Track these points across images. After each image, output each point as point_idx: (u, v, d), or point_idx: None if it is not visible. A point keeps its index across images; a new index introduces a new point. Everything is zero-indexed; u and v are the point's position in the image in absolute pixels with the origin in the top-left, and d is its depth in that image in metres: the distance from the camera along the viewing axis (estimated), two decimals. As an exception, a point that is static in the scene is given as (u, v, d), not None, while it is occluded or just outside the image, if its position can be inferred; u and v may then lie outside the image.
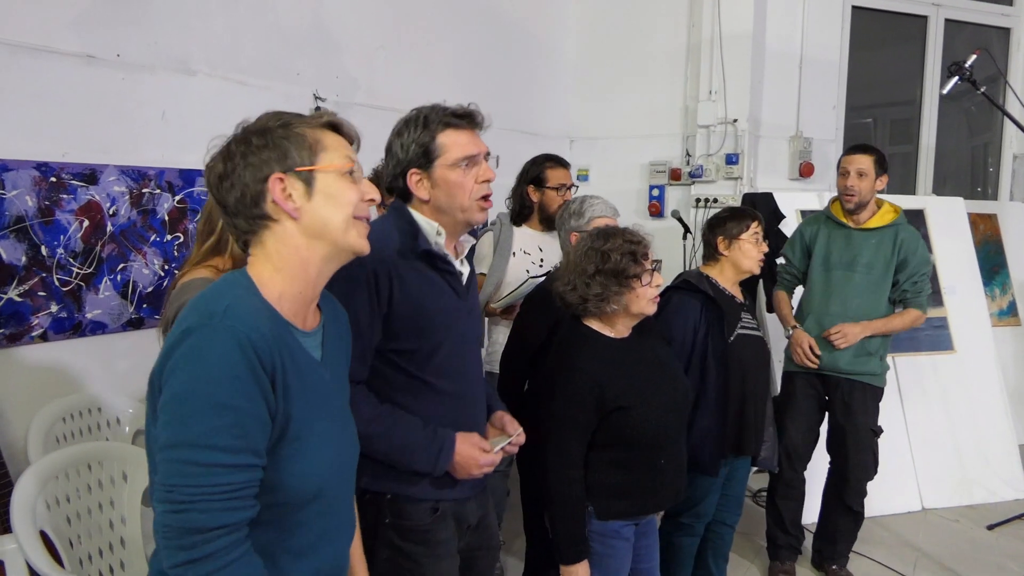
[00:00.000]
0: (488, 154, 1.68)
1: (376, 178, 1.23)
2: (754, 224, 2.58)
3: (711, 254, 2.64)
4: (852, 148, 3.11)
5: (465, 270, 1.75)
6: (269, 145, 1.15)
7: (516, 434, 1.75)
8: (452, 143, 1.62)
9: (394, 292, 1.57)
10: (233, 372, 1.04)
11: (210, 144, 1.21)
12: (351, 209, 1.18)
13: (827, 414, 3.15)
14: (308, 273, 1.18)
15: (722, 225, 2.59)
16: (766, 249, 2.61)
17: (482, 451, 1.66)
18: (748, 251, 2.56)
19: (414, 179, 1.63)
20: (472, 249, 1.79)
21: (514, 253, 3.00)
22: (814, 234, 3.17)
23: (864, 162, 3.01)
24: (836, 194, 3.18)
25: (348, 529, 1.32)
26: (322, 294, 1.28)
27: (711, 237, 2.62)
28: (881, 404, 3.11)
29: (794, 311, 3.24)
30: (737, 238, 2.56)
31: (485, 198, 1.67)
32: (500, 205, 3.28)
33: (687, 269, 2.67)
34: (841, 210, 3.13)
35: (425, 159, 1.61)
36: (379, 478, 1.61)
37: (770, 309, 3.80)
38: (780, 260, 3.34)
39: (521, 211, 3.08)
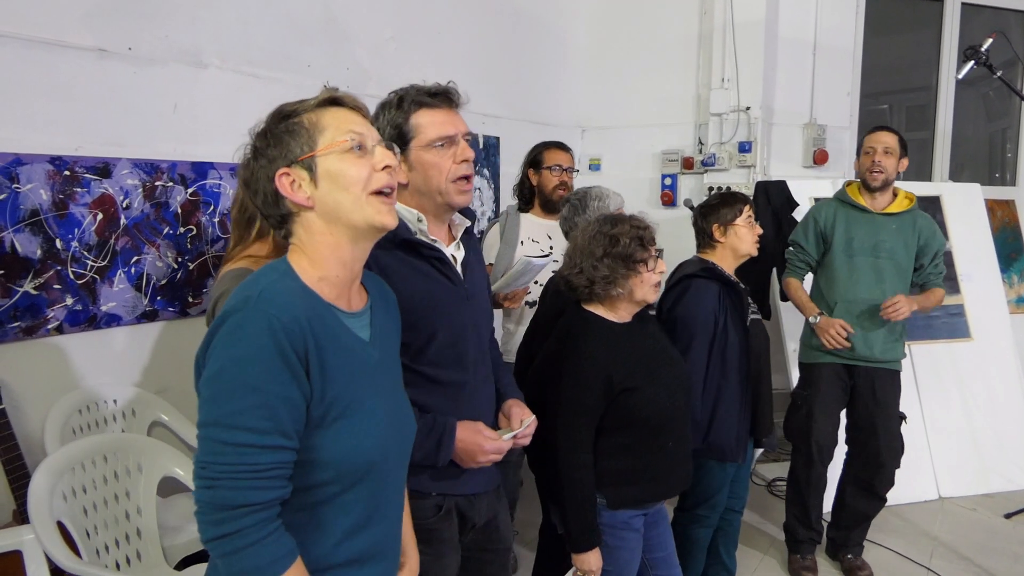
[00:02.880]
0: (468, 134, 1.62)
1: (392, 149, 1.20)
2: (746, 208, 2.55)
3: (706, 242, 2.60)
4: (875, 128, 3.07)
5: (460, 254, 1.68)
6: (271, 143, 1.17)
7: (527, 423, 1.69)
8: (427, 123, 1.57)
9: None
10: (262, 354, 1.06)
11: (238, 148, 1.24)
12: (359, 187, 1.16)
13: (851, 404, 3.11)
14: (341, 256, 1.19)
15: (715, 212, 2.56)
16: (760, 231, 2.59)
17: (487, 438, 1.59)
18: (744, 235, 2.53)
19: None
20: (468, 231, 1.73)
21: (521, 242, 3.01)
22: (831, 219, 3.10)
23: (890, 140, 2.99)
24: (849, 179, 3.15)
25: (399, 507, 1.33)
26: (366, 274, 1.31)
27: (705, 225, 2.58)
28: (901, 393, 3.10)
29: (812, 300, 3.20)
30: (732, 223, 2.53)
31: (466, 179, 1.60)
32: (509, 198, 3.29)
33: (685, 260, 2.63)
34: (859, 193, 3.08)
35: (400, 141, 1.55)
36: None
37: (783, 297, 3.77)
38: (789, 247, 3.28)
39: (523, 195, 3.12)
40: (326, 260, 1.19)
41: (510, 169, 3.99)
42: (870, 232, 3.02)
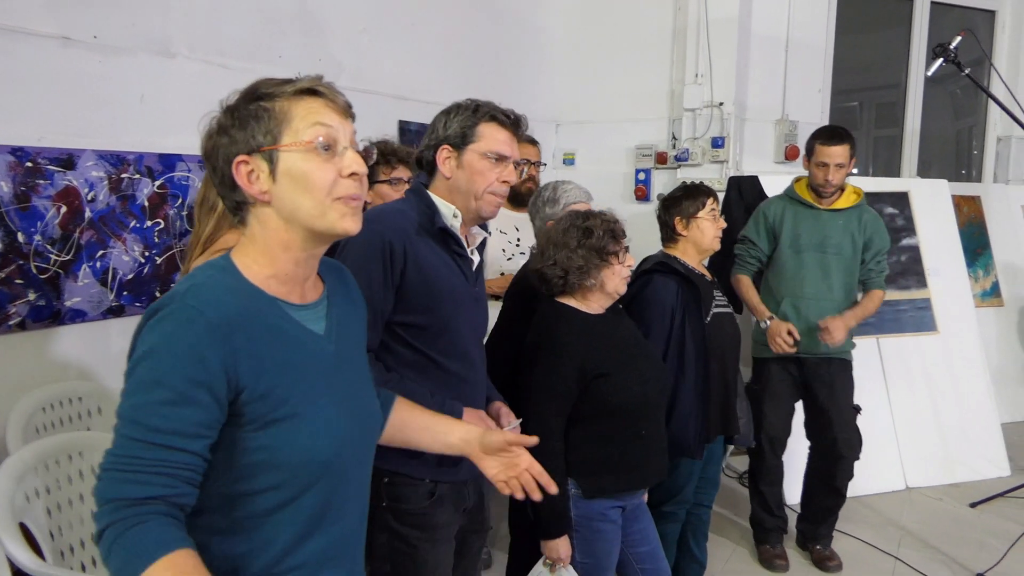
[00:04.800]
0: (519, 163, 1.74)
1: (366, 154, 1.13)
2: (709, 201, 2.53)
3: (670, 235, 2.59)
4: (829, 138, 2.99)
5: (475, 259, 1.79)
6: (235, 124, 1.08)
7: (514, 426, 1.77)
8: (491, 136, 1.68)
9: (408, 264, 1.60)
10: (173, 350, 1.00)
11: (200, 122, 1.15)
12: (323, 193, 1.08)
13: (806, 398, 3.17)
14: (295, 255, 1.12)
15: (678, 205, 2.55)
16: (724, 225, 2.58)
17: (489, 429, 1.67)
18: (707, 228, 2.52)
19: (443, 154, 1.68)
20: (484, 243, 1.83)
21: (489, 233, 3.02)
22: (779, 215, 3.11)
23: (843, 154, 2.97)
24: (797, 176, 3.17)
25: (359, 507, 1.27)
26: (324, 262, 1.23)
27: (668, 218, 2.57)
28: (865, 385, 3.15)
29: (760, 294, 3.19)
30: (695, 216, 2.52)
31: (500, 195, 1.71)
32: None
33: (650, 254, 2.62)
34: (807, 190, 3.10)
35: (461, 140, 1.67)
36: (377, 456, 1.60)
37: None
38: (739, 243, 3.26)
39: None
40: (277, 257, 1.12)
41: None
42: (817, 228, 3.05)
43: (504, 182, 1.70)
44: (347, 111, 1.14)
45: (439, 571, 1.70)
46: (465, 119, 1.67)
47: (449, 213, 1.69)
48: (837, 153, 2.97)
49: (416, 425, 1.45)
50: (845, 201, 3.08)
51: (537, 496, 1.45)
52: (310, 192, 1.08)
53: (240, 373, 1.04)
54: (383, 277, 1.59)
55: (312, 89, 1.11)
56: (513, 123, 1.72)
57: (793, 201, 3.12)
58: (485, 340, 2.59)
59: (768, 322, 3.04)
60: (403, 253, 1.60)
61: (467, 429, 1.47)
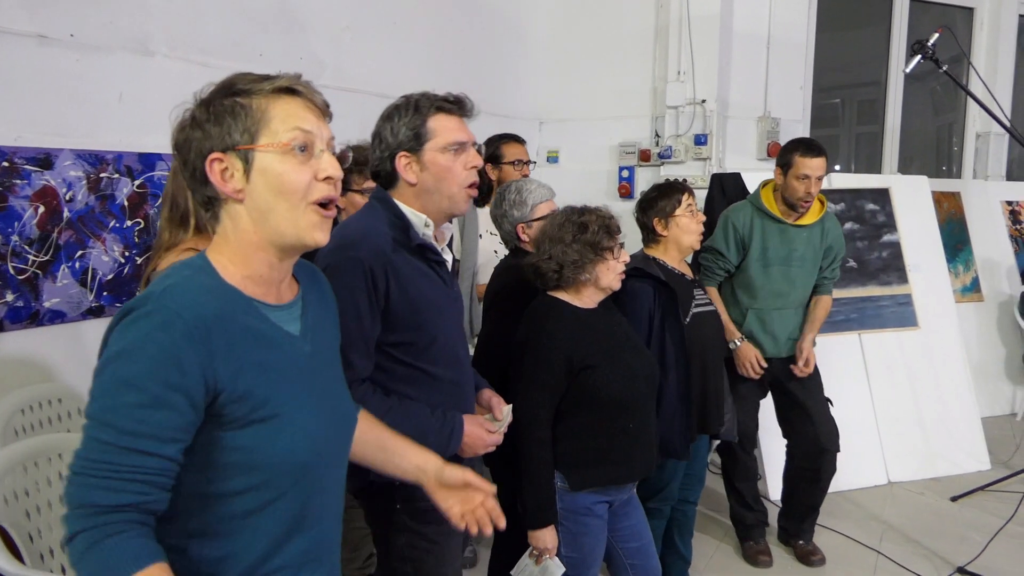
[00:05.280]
0: (475, 143, 1.70)
1: (342, 157, 1.11)
2: (684, 196, 2.52)
3: (650, 237, 2.58)
4: (809, 149, 2.95)
5: (448, 258, 1.77)
6: (210, 119, 1.06)
7: (507, 413, 1.82)
8: (443, 127, 1.63)
9: (391, 286, 1.58)
10: (151, 352, 0.98)
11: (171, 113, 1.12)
12: (298, 195, 1.06)
13: (778, 396, 3.20)
14: (267, 256, 1.11)
15: (654, 206, 2.54)
16: (703, 218, 2.57)
17: (488, 432, 1.74)
18: (686, 226, 2.51)
19: (403, 162, 1.64)
20: (451, 238, 1.83)
21: (481, 235, 3.00)
22: (748, 227, 3.07)
23: (822, 167, 2.95)
24: (764, 180, 3.16)
25: (335, 509, 1.26)
26: (300, 264, 1.23)
27: (646, 220, 2.56)
28: (847, 380, 3.17)
29: (724, 301, 3.17)
30: (672, 215, 2.51)
31: (472, 185, 1.68)
32: None
33: (632, 254, 2.60)
34: (774, 202, 3.06)
35: (416, 142, 1.63)
36: None
37: None
38: (706, 252, 3.18)
39: (480, 191, 3.08)
40: (250, 258, 1.10)
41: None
42: (783, 243, 3.05)
43: (472, 168, 1.67)
44: (324, 111, 1.13)
45: (456, 559, 1.75)
46: (412, 119, 1.63)
47: (420, 223, 1.67)
48: (818, 166, 2.94)
49: (371, 442, 1.41)
50: (812, 215, 3.06)
51: (488, 531, 1.42)
52: (284, 194, 1.06)
53: (218, 375, 1.02)
54: (369, 305, 1.57)
55: (291, 88, 1.09)
56: (459, 107, 1.67)
57: (760, 213, 3.08)
58: (476, 340, 2.62)
59: (739, 344, 3.03)
60: (385, 276, 1.57)
61: (425, 459, 1.42)
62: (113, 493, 0.97)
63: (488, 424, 1.76)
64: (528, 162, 3.09)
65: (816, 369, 3.13)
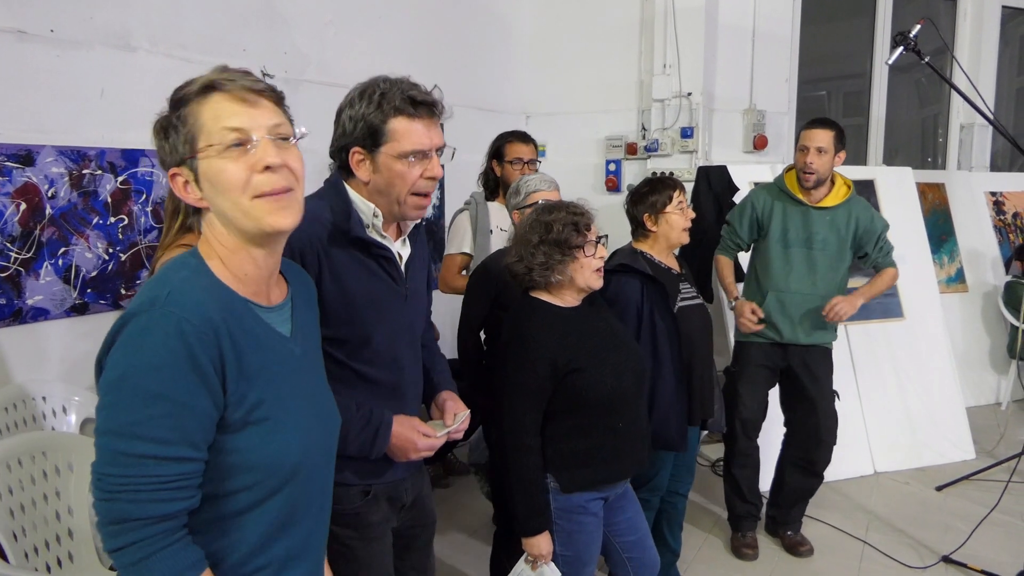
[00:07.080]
0: (442, 148, 1.54)
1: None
2: (676, 193, 2.53)
3: (639, 230, 2.59)
4: (812, 122, 3.04)
5: (406, 251, 1.65)
6: (162, 135, 1.09)
7: (460, 418, 1.70)
8: (404, 132, 1.47)
9: (323, 276, 1.48)
10: (169, 361, 0.99)
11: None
12: (237, 191, 1.06)
13: (787, 383, 3.19)
14: (251, 255, 1.12)
15: (644, 200, 2.54)
16: (693, 215, 2.59)
17: (421, 435, 1.60)
18: (675, 222, 2.53)
19: (356, 158, 1.51)
20: (417, 227, 1.71)
21: (491, 231, 3.02)
22: (768, 208, 3.12)
23: (824, 139, 2.97)
24: (790, 164, 3.19)
25: (324, 505, 1.28)
26: (286, 263, 1.24)
27: (636, 214, 2.57)
28: (834, 371, 3.19)
29: (746, 281, 3.26)
30: (662, 212, 2.52)
31: (425, 195, 1.54)
32: (473, 185, 3.27)
33: (619, 248, 2.62)
34: (797, 186, 3.10)
35: (371, 141, 1.48)
36: None
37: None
38: (725, 225, 3.32)
39: (488, 185, 3.15)
40: (232, 257, 1.12)
41: (459, 156, 3.96)
42: (804, 225, 3.06)
43: (430, 178, 1.52)
44: (258, 95, 1.09)
45: (374, 568, 1.63)
46: (373, 115, 1.47)
47: (369, 212, 1.53)
48: (817, 136, 2.96)
49: None
50: (834, 198, 3.07)
51: None
52: (224, 193, 1.07)
53: (228, 378, 1.05)
54: None
55: (212, 84, 1.07)
56: (426, 110, 1.49)
57: (783, 195, 3.12)
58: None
59: (734, 302, 3.10)
60: (317, 264, 1.47)
61: None
62: (163, 504, 1.01)
63: (424, 427, 1.62)
64: (530, 161, 3.08)
65: (830, 362, 3.14)
